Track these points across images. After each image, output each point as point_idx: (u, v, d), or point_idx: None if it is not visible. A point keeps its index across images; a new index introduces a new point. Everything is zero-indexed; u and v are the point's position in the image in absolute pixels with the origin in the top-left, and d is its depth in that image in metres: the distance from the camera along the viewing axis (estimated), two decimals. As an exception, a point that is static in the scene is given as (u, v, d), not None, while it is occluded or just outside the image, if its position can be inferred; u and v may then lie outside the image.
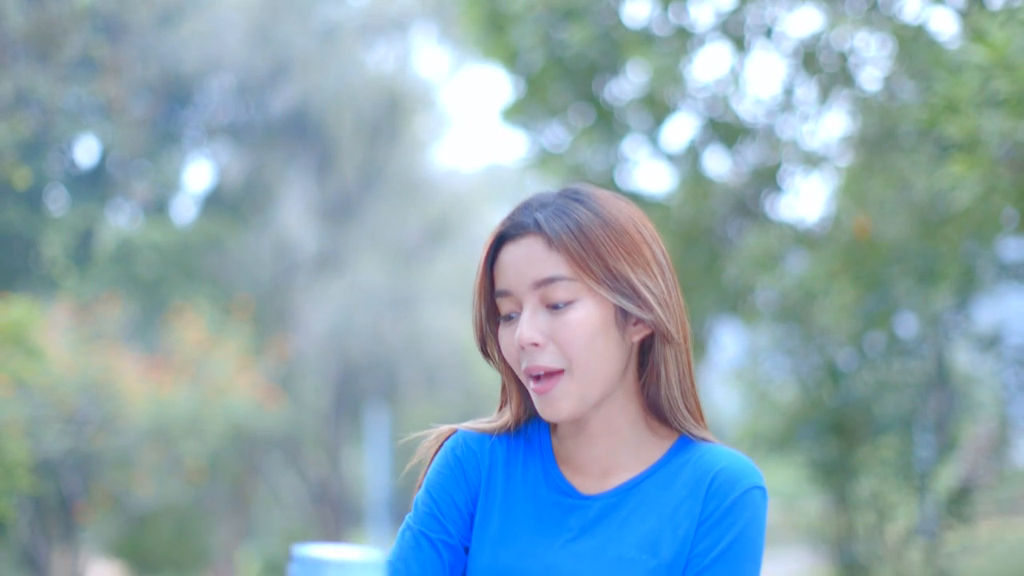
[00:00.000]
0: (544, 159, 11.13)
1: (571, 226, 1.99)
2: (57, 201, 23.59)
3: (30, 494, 15.66)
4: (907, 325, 11.32)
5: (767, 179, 10.97)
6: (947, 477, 11.40)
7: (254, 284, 22.48)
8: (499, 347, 2.10)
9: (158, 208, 23.75)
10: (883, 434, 11.10)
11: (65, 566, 15.76)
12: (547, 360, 1.99)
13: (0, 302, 9.66)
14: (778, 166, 10.84)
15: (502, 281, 2.03)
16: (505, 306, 2.04)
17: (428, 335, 24.04)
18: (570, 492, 2.07)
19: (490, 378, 27.08)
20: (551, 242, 1.99)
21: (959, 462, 12.06)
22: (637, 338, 2.05)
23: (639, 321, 2.04)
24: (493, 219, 37.20)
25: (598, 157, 11.09)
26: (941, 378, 11.16)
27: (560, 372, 2.00)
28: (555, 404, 2.01)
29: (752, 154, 11.03)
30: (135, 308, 21.62)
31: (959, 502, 10.78)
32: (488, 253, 2.06)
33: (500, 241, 2.05)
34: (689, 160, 11.02)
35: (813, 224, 11.16)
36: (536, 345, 1.99)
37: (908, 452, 11.00)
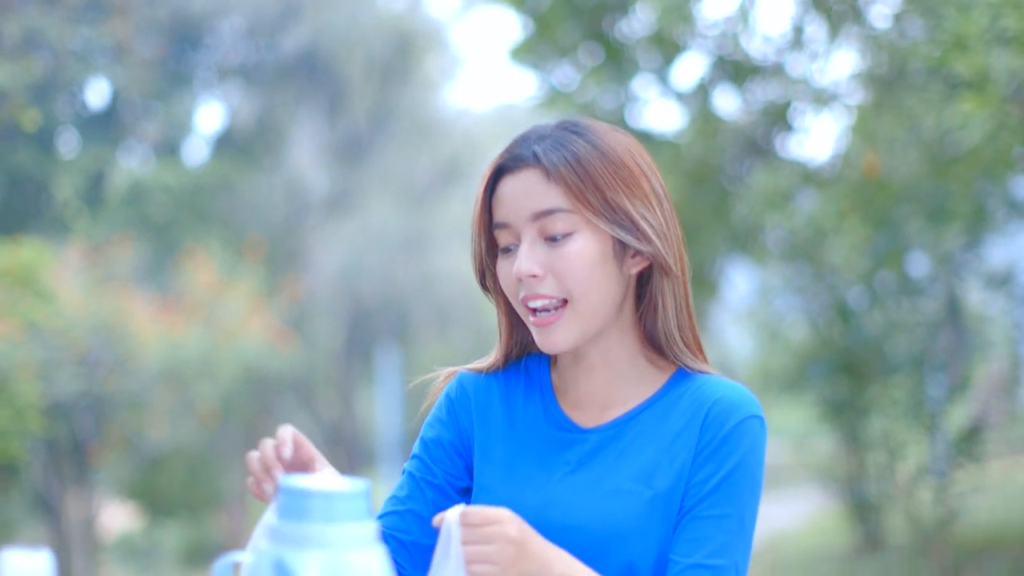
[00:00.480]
0: (554, 98, 11.07)
1: (569, 158, 1.99)
2: (68, 143, 23.56)
3: (42, 436, 15.74)
4: (918, 264, 11.27)
5: (777, 117, 10.92)
6: (958, 416, 11.39)
7: (266, 225, 22.47)
8: (497, 280, 2.11)
9: (169, 150, 23.72)
10: (894, 373, 11.08)
11: (78, 508, 15.85)
12: (546, 290, 2.01)
13: (10, 245, 9.63)
14: (788, 104, 10.78)
15: (500, 213, 2.04)
16: (503, 238, 2.05)
17: (440, 275, 24.02)
18: (568, 426, 2.09)
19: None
20: (549, 174, 1.99)
21: (970, 402, 12.06)
22: (635, 270, 2.06)
23: (637, 253, 2.05)
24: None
25: (608, 96, 11.04)
26: (952, 317, 11.12)
27: (559, 303, 2.01)
28: (554, 336, 2.02)
29: (762, 92, 10.97)
30: (147, 250, 21.64)
31: (970, 442, 10.77)
32: (487, 185, 2.06)
33: (498, 173, 2.05)
34: (699, 99, 10.96)
35: (823, 163, 11.12)
36: (535, 277, 2.00)
37: (919, 391, 10.98)
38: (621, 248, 2.02)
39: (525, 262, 1.99)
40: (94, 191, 22.44)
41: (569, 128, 2.03)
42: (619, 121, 11.58)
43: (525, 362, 2.19)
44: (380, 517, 2.11)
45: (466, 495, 2.16)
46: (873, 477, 12.07)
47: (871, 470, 12.09)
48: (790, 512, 16.32)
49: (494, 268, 2.10)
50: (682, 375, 2.10)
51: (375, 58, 23.45)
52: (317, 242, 23.44)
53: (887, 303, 11.12)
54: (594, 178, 1.98)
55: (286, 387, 21.26)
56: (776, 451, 23.13)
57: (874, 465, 12.06)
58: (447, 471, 2.14)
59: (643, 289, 2.09)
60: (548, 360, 2.18)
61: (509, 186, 2.02)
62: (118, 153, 23.56)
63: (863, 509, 12.49)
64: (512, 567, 1.73)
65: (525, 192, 2.00)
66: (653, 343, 2.10)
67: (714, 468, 1.98)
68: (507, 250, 2.04)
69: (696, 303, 8.91)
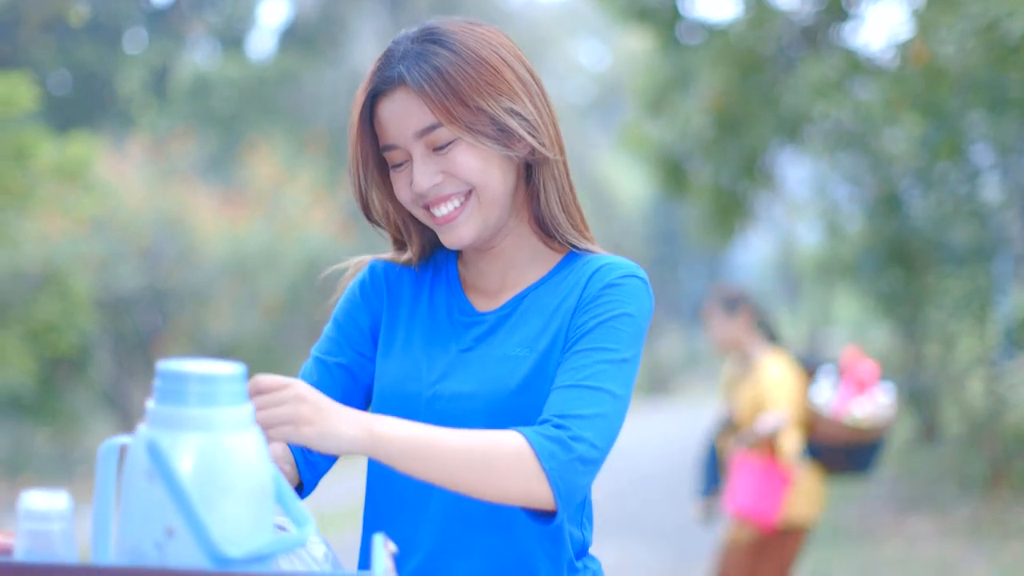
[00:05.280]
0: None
1: (431, 73, 2.02)
2: (134, 39, 23.64)
3: (106, 330, 15.96)
4: (978, 154, 11.10)
5: (832, 5, 10.74)
6: (1011, 307, 11.27)
7: (329, 118, 22.48)
8: (383, 200, 2.18)
9: (234, 44, 23.75)
10: (949, 264, 10.97)
11: (144, 401, 16.06)
12: (449, 188, 2.06)
13: (61, 140, 9.70)
14: (843, -8, 10.62)
15: (385, 136, 2.08)
16: (394, 157, 2.09)
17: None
18: (469, 311, 2.16)
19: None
20: (416, 93, 2.03)
21: (1025, 292, 11.92)
22: (524, 153, 2.08)
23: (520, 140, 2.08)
24: (571, 51, 36.96)
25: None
26: (1009, 207, 10.96)
27: (464, 196, 2.07)
28: (459, 230, 2.08)
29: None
30: (210, 144, 21.73)
31: (1022, 332, 10.67)
32: (362, 110, 2.09)
33: (373, 97, 2.09)
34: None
35: (876, 52, 10.94)
36: (435, 186, 2.06)
37: (975, 282, 10.87)
38: (506, 138, 2.05)
39: (420, 179, 2.05)
40: (159, 85, 22.52)
41: (428, 38, 2.06)
42: (672, 11, 11.47)
43: (433, 259, 2.25)
44: None
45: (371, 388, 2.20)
46: (928, 368, 12.00)
47: (926, 361, 12.02)
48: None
49: (376, 190, 2.16)
50: (574, 255, 2.16)
51: (439, -52, 23.29)
52: (380, 135, 23.46)
53: (944, 193, 10.97)
54: (456, 89, 2.01)
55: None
56: (833, 342, 23.08)
57: (929, 356, 11.99)
58: (358, 352, 2.18)
59: (530, 175, 2.14)
60: (456, 255, 2.25)
61: (387, 109, 2.06)
62: (183, 48, 23.61)
63: (918, 400, 12.43)
64: (308, 426, 1.71)
65: (403, 113, 2.04)
66: (543, 227, 2.16)
67: (595, 313, 2.02)
68: (399, 166, 2.10)
69: (748, 192, 8.84)
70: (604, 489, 11.65)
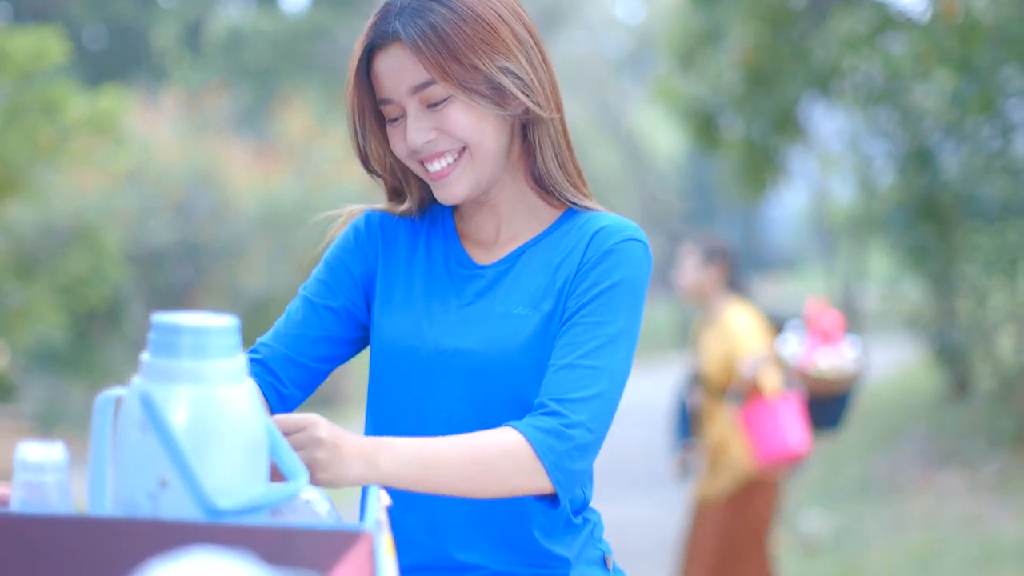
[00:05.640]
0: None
1: (427, 29, 2.02)
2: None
3: (139, 284, 16.04)
4: (1009, 110, 10.99)
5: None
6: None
7: (362, 73, 22.47)
8: (382, 152, 2.17)
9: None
10: (980, 219, 10.90)
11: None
12: (442, 147, 2.07)
13: (91, 94, 9.73)
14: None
15: (381, 90, 2.09)
16: (390, 111, 2.10)
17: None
18: (467, 263, 2.17)
19: (601, 167, 26.93)
20: (411, 49, 2.03)
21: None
22: (519, 111, 2.09)
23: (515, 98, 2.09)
24: (607, 4, 36.78)
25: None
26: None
27: (457, 153, 2.08)
28: (452, 187, 2.09)
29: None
30: (243, 98, 21.77)
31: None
32: (359, 63, 2.09)
33: (369, 51, 2.09)
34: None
35: (908, 5, 10.85)
36: (429, 142, 2.07)
37: (1005, 238, 10.81)
38: (500, 97, 2.06)
39: (414, 134, 2.05)
40: (192, 39, 22.56)
41: None
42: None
43: (430, 210, 2.26)
44: (273, 337, 2.17)
45: (361, 331, 2.22)
46: (959, 324, 11.95)
47: (958, 317, 11.97)
48: (881, 359, 16.25)
49: (375, 142, 2.16)
50: (572, 212, 2.17)
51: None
52: (413, 89, 23.43)
53: (975, 148, 10.89)
54: (451, 47, 2.01)
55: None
56: (867, 297, 23.02)
57: (961, 312, 11.94)
58: (349, 298, 2.19)
59: (527, 131, 2.15)
60: (452, 207, 2.25)
61: (383, 63, 2.06)
62: (217, 1, 23.63)
63: (950, 356, 12.40)
64: (322, 472, 1.75)
65: (397, 68, 2.04)
66: (540, 184, 2.17)
67: (594, 280, 2.04)
68: (395, 120, 2.10)
69: (780, 146, 8.79)
70: (619, 446, 11.70)
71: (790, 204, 30.10)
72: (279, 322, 2.19)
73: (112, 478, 1.54)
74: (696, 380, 6.02)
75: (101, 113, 9.41)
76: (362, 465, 1.78)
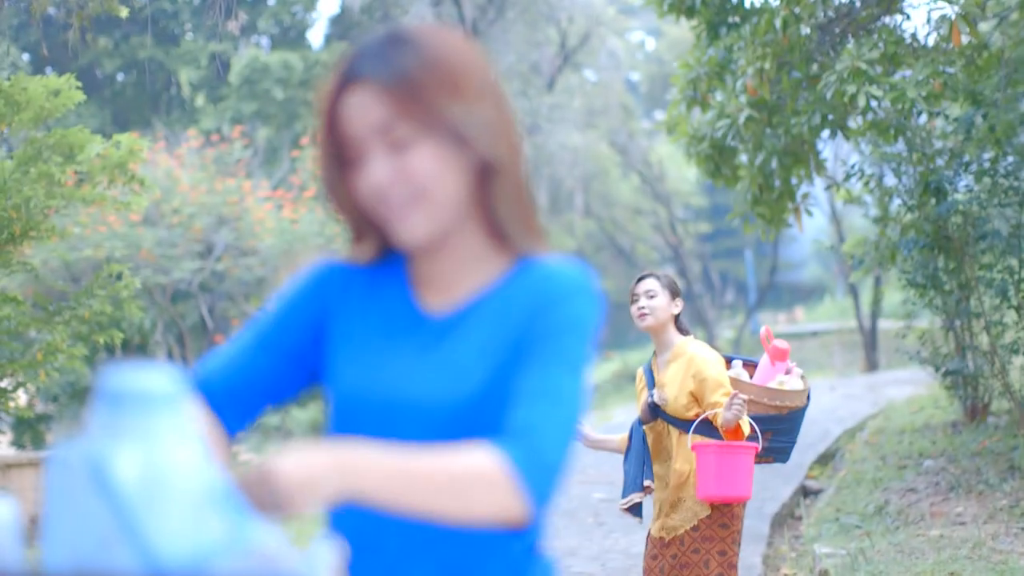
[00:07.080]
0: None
1: (395, 73, 2.06)
2: (191, 33, 23.86)
3: (164, 320, 16.17)
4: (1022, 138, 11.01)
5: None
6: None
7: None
8: (346, 193, 2.19)
9: (288, 37, 23.88)
10: (988, 250, 10.93)
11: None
12: (405, 188, 2.09)
13: (107, 138, 9.90)
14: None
15: (348, 130, 2.12)
16: (356, 152, 2.13)
17: (555, 156, 23.93)
18: (421, 313, 2.22)
19: (618, 198, 26.86)
20: (378, 91, 2.07)
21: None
22: (481, 157, 2.12)
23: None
24: (623, 38, 36.79)
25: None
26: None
27: (415, 200, 2.10)
28: (413, 230, 2.11)
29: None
30: (264, 135, 21.92)
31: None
32: (327, 104, 2.13)
33: (339, 91, 2.11)
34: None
35: (918, 36, 10.87)
36: (390, 185, 2.10)
37: (1017, 269, 10.84)
38: (463, 143, 2.10)
39: (375, 174, 2.09)
40: (216, 78, 22.73)
41: (394, 39, 2.10)
42: (717, 4, 11.49)
43: (387, 257, 2.28)
44: (217, 368, 2.23)
45: (305, 372, 2.26)
46: (973, 352, 11.97)
47: (972, 345, 11.99)
48: (896, 387, 16.26)
49: (340, 182, 2.18)
50: (525, 259, 2.21)
51: (490, -64, 23.31)
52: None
53: (983, 178, 10.90)
54: (417, 91, 2.05)
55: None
56: (882, 325, 22.94)
57: (975, 340, 11.97)
58: (293, 334, 2.25)
59: (486, 178, 2.16)
60: (407, 255, 2.27)
61: (350, 104, 2.10)
62: (238, 42, 23.81)
63: (964, 383, 12.44)
64: (291, 509, 1.78)
65: (365, 109, 2.08)
66: (496, 231, 2.20)
67: (546, 323, 2.09)
68: (360, 160, 2.13)
69: (789, 175, 8.87)
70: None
71: (809, 231, 30.11)
72: (225, 351, 2.25)
73: (65, 533, 1.58)
74: (657, 413, 6.11)
75: (119, 156, 9.57)
76: (333, 483, 1.81)
